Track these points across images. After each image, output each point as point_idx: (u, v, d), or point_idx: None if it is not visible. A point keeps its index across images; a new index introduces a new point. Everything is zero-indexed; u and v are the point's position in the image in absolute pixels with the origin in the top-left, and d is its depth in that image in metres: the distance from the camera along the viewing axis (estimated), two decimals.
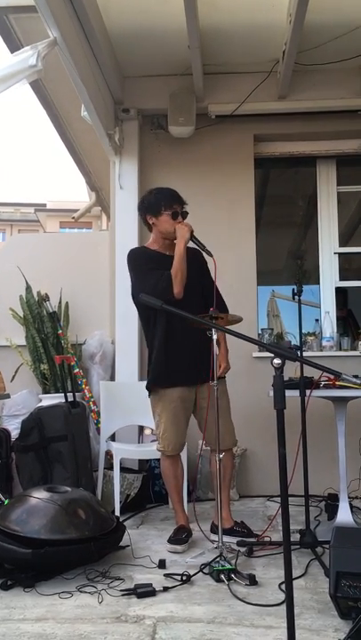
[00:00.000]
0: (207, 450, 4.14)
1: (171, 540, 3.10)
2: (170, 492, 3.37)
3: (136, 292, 3.17)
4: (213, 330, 2.90)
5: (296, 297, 3.26)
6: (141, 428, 4.39)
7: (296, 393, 3.09)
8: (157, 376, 3.22)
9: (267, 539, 3.08)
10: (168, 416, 3.20)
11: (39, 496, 2.84)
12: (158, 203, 3.25)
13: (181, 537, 3.11)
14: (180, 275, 3.12)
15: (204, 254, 3.24)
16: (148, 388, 3.28)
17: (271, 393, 1.79)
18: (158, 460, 4.03)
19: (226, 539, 2.87)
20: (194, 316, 2.49)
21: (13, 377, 4.46)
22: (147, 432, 4.35)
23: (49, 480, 3.69)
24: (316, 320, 4.74)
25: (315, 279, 4.87)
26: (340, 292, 4.91)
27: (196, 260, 3.28)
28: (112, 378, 4.54)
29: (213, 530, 3.16)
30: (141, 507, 3.99)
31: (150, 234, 3.40)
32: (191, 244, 3.22)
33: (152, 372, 3.25)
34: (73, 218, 7.98)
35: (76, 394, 4.13)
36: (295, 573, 2.62)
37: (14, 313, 4.57)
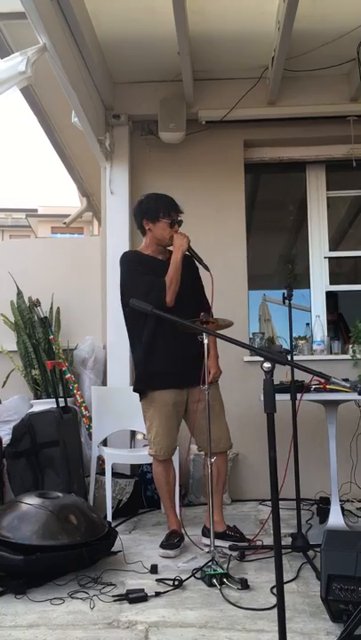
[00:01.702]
0: (200, 454, 4.15)
1: (163, 545, 3.10)
2: (162, 496, 3.37)
3: (127, 295, 3.17)
4: (204, 334, 2.91)
5: (287, 301, 3.27)
6: (133, 433, 4.39)
7: (287, 397, 3.11)
8: (148, 378, 3.22)
9: (258, 542, 3.08)
10: (160, 420, 3.20)
11: (30, 502, 2.83)
12: (157, 209, 3.25)
13: (173, 542, 3.11)
14: (175, 284, 3.13)
15: (201, 268, 3.24)
16: (136, 390, 3.28)
17: (262, 397, 1.80)
18: (150, 465, 4.03)
19: (218, 542, 2.88)
20: (184, 321, 2.50)
21: (4, 382, 4.45)
22: (138, 437, 4.35)
23: (40, 486, 3.68)
24: (307, 324, 4.77)
25: (305, 283, 4.90)
26: (331, 296, 4.94)
27: (188, 264, 3.28)
28: (104, 383, 4.54)
29: (205, 533, 3.16)
30: (133, 512, 3.99)
31: (143, 238, 3.40)
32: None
33: (142, 375, 3.25)
34: (64, 223, 7.98)
35: (68, 399, 4.12)
36: (287, 577, 2.62)
37: (5, 318, 4.57)
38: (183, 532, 3.18)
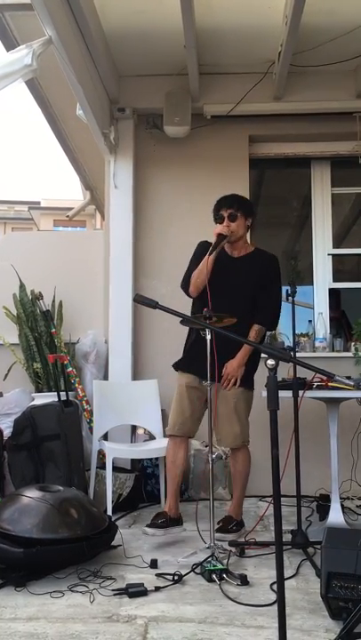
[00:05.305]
0: (200, 450, 4.18)
1: (148, 525, 3.12)
2: (167, 476, 3.37)
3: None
4: (207, 330, 2.90)
5: (290, 298, 3.27)
6: (134, 428, 4.39)
7: (289, 394, 3.10)
8: (180, 359, 3.39)
9: (251, 539, 3.07)
10: (175, 398, 3.34)
11: (31, 495, 2.84)
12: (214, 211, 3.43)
13: (157, 522, 3.12)
14: (196, 277, 3.27)
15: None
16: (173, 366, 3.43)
17: (264, 393, 1.79)
18: (151, 459, 4.04)
19: (217, 536, 2.89)
20: (188, 316, 2.50)
21: (6, 375, 4.45)
22: (139, 432, 4.35)
23: (41, 479, 3.68)
24: (310, 321, 4.76)
25: (308, 280, 4.89)
26: (334, 294, 4.93)
27: (256, 268, 3.34)
28: (105, 377, 4.54)
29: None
30: (134, 506, 3.99)
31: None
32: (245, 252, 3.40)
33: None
34: (67, 216, 7.97)
35: (69, 393, 4.12)
36: (286, 574, 2.62)
37: (8, 311, 4.56)
38: (194, 522, 3.16)
